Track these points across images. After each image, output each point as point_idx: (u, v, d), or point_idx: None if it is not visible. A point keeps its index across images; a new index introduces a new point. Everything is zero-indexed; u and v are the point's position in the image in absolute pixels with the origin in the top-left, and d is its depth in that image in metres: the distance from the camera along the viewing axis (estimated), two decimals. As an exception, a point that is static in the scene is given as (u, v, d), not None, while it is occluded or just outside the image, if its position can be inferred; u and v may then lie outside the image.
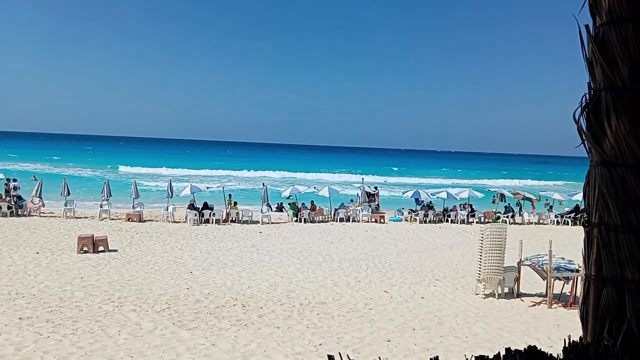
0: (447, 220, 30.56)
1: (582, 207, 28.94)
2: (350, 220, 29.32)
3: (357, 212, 29.86)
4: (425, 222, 29.91)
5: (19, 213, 25.87)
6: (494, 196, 34.10)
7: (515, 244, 17.21)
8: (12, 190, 26.84)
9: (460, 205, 31.98)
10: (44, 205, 26.70)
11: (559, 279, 14.11)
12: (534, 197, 33.64)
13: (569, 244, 22.22)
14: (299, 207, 29.14)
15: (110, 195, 27.57)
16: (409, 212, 31.05)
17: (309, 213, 28.61)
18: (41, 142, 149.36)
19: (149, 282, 14.23)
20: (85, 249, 17.91)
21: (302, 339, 10.29)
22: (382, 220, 29.29)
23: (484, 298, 14.21)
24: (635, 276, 3.04)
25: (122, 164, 70.60)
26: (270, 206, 29.64)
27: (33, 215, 25.89)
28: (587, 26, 3.25)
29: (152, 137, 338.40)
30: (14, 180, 27.73)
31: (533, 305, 13.76)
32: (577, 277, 13.79)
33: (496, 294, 14.34)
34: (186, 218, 26.19)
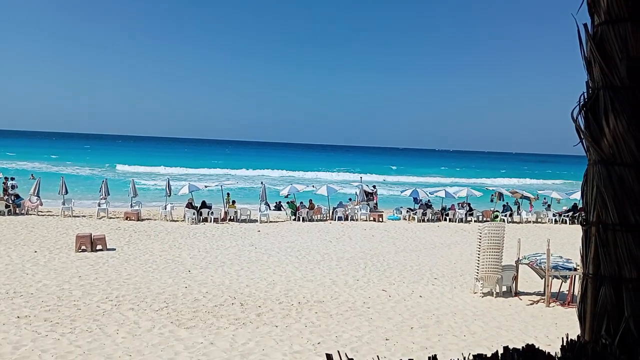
0: (445, 219, 30.59)
1: (580, 205, 28.99)
2: (349, 219, 29.33)
3: (356, 211, 29.90)
4: (423, 220, 29.94)
5: (17, 212, 25.84)
6: (492, 195, 34.17)
7: (513, 243, 17.24)
8: (10, 188, 26.82)
9: (458, 204, 32.02)
10: (41, 204, 26.70)
11: (557, 278, 14.14)
12: (532, 196, 33.71)
13: (567, 243, 22.29)
14: (298, 205, 29.15)
15: (109, 194, 27.58)
16: (408, 211, 31.11)
17: (308, 212, 28.63)
18: (39, 141, 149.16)
19: (147, 281, 14.22)
20: (83, 247, 17.89)
21: (301, 338, 10.29)
22: (380, 219, 29.32)
23: (482, 297, 14.23)
24: (633, 275, 3.05)
25: (120, 163, 70.59)
26: (268, 205, 29.63)
27: (31, 214, 25.87)
28: (585, 25, 3.25)
29: (151, 135, 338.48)
30: (12, 178, 27.75)
31: (531, 304, 13.78)
32: (575, 276, 13.83)
33: (494, 292, 14.37)
34: (184, 217, 26.17)
